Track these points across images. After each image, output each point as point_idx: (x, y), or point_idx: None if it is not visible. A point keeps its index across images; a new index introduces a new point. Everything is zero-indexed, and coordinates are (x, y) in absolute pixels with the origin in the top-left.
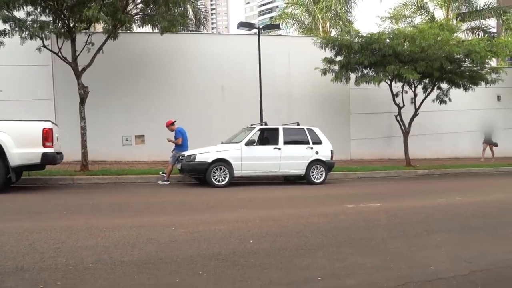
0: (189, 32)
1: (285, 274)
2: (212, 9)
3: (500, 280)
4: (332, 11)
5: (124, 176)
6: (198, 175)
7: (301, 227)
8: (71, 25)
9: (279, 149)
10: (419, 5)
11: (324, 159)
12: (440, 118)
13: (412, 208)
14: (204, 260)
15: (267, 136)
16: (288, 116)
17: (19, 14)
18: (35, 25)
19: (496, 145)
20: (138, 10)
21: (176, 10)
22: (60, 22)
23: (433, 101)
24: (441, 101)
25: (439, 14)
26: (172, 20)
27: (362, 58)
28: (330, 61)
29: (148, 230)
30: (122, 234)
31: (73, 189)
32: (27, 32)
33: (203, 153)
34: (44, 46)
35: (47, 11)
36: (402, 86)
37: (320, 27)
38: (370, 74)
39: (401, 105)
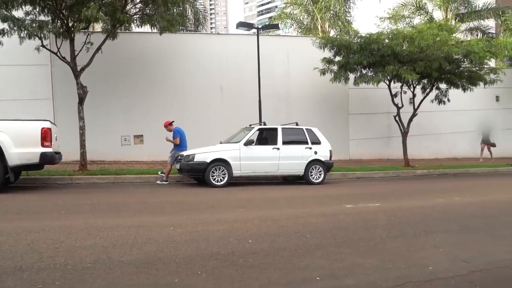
0: (188, 32)
1: (284, 274)
2: (211, 9)
3: (499, 280)
4: (331, 11)
5: (123, 176)
6: (197, 175)
7: (300, 227)
8: (70, 24)
9: (278, 149)
10: (418, 5)
11: (323, 159)
12: (439, 118)
13: (410, 208)
14: (203, 260)
15: (266, 136)
16: (287, 116)
17: (18, 13)
18: (34, 25)
19: (493, 145)
20: (137, 10)
21: (175, 10)
22: (59, 21)
23: (432, 101)
24: (440, 102)
25: (438, 15)
26: (171, 20)
27: (361, 58)
28: (329, 61)
29: (147, 230)
30: (121, 234)
31: (72, 189)
32: (25, 32)
33: (202, 153)
34: (43, 45)
35: (46, 10)
36: (401, 87)
37: (319, 27)
38: (369, 74)
39: (400, 105)
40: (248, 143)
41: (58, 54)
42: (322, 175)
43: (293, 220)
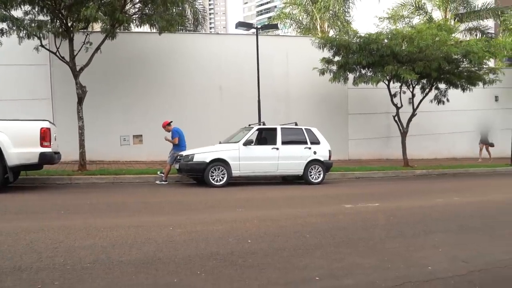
0: (187, 32)
1: (283, 274)
2: (210, 9)
3: (497, 280)
4: (330, 11)
5: (122, 176)
6: (196, 175)
7: (299, 227)
8: (69, 24)
9: (277, 149)
10: (417, 5)
11: (322, 159)
12: (438, 118)
13: (410, 208)
14: (202, 260)
15: (265, 136)
16: (286, 116)
17: (17, 13)
18: (33, 25)
19: (492, 145)
20: (136, 9)
21: (174, 10)
22: (58, 21)
23: (431, 101)
24: (439, 102)
25: (437, 15)
26: (170, 20)
27: (360, 58)
28: (328, 61)
29: (146, 230)
30: (120, 234)
31: (71, 189)
32: (24, 32)
33: (201, 153)
34: (42, 45)
35: (45, 10)
36: (400, 87)
37: (318, 27)
38: (368, 74)
39: (399, 105)
40: (247, 143)
41: (57, 54)
42: (321, 175)
43: (292, 220)
